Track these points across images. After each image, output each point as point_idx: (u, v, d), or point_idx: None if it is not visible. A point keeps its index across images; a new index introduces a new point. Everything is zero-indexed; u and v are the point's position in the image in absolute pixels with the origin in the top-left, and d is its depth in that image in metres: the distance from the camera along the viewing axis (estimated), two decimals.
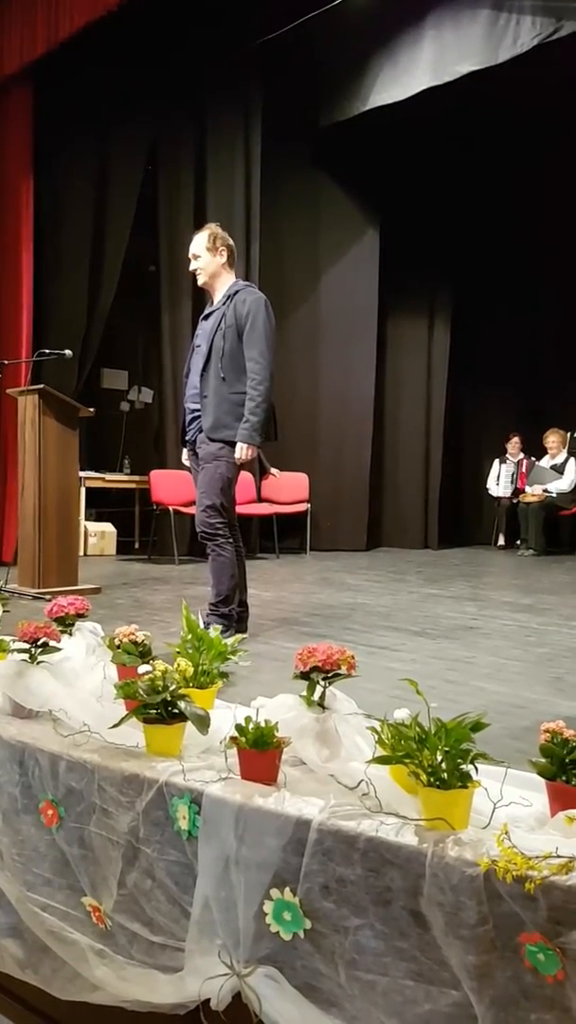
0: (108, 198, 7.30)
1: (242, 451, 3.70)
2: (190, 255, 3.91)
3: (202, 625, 2.46)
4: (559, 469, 8.83)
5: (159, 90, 7.26)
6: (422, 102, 6.91)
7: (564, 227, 8.88)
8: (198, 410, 3.81)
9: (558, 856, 1.41)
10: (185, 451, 4.01)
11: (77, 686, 2.46)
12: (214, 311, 3.87)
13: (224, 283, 3.91)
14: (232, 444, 3.72)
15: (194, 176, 7.70)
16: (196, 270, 3.90)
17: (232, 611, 3.73)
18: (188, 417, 3.89)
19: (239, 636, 2.64)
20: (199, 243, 3.87)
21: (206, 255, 3.85)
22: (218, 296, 3.90)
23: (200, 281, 3.93)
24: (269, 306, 3.80)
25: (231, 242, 3.94)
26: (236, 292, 3.83)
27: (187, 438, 3.92)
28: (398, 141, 8.22)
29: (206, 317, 3.93)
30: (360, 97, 7.42)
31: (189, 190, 7.67)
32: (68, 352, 5.47)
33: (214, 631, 2.43)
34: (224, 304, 3.82)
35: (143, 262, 7.95)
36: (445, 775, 1.59)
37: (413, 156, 8.45)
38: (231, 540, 3.75)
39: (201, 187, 7.71)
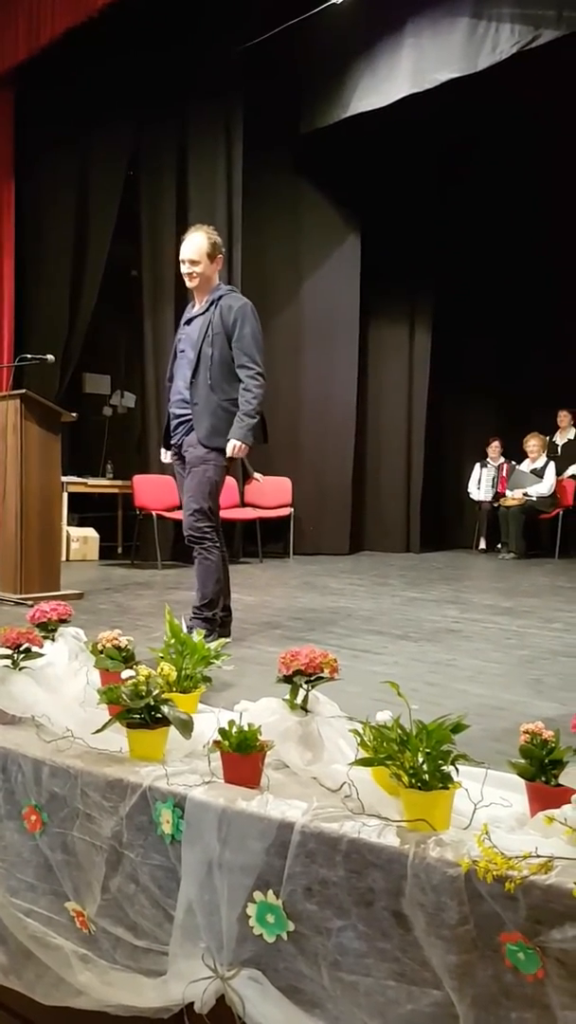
0: (90, 203, 7.29)
1: (234, 448, 3.65)
2: (185, 258, 3.77)
3: (185, 629, 2.46)
4: (539, 473, 8.88)
5: (141, 95, 7.25)
6: (402, 109, 6.97)
7: (545, 233, 8.96)
8: (185, 416, 3.78)
9: (538, 856, 1.43)
10: (167, 453, 3.99)
11: (60, 691, 2.46)
12: (197, 316, 3.83)
13: (210, 287, 3.84)
14: (223, 451, 3.71)
15: (176, 182, 7.69)
16: (191, 274, 3.78)
17: (216, 615, 3.72)
18: (174, 423, 3.85)
19: (222, 640, 2.64)
20: (199, 249, 3.74)
21: (206, 262, 3.76)
22: (202, 300, 3.85)
23: (192, 285, 3.83)
24: (255, 311, 3.77)
25: (224, 248, 3.90)
26: (220, 297, 3.78)
27: (172, 442, 3.88)
28: (379, 147, 8.28)
29: (189, 321, 3.89)
30: (341, 104, 7.46)
31: (171, 196, 7.67)
32: (50, 357, 5.46)
33: (197, 635, 2.44)
34: (208, 310, 3.78)
35: (125, 267, 7.94)
36: (426, 776, 1.61)
37: (394, 162, 8.51)
38: (218, 544, 3.75)
39: (183, 193, 7.71)
